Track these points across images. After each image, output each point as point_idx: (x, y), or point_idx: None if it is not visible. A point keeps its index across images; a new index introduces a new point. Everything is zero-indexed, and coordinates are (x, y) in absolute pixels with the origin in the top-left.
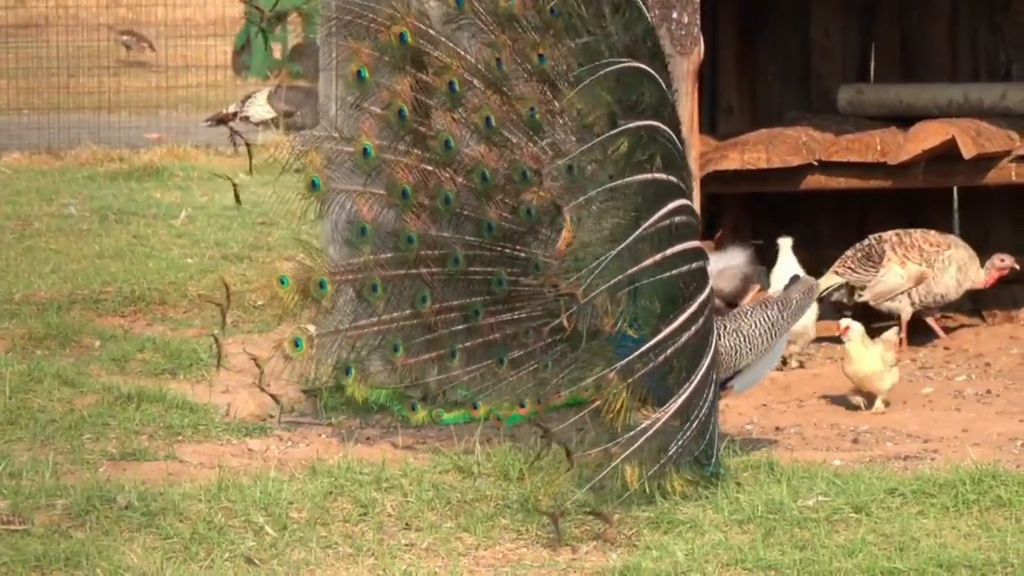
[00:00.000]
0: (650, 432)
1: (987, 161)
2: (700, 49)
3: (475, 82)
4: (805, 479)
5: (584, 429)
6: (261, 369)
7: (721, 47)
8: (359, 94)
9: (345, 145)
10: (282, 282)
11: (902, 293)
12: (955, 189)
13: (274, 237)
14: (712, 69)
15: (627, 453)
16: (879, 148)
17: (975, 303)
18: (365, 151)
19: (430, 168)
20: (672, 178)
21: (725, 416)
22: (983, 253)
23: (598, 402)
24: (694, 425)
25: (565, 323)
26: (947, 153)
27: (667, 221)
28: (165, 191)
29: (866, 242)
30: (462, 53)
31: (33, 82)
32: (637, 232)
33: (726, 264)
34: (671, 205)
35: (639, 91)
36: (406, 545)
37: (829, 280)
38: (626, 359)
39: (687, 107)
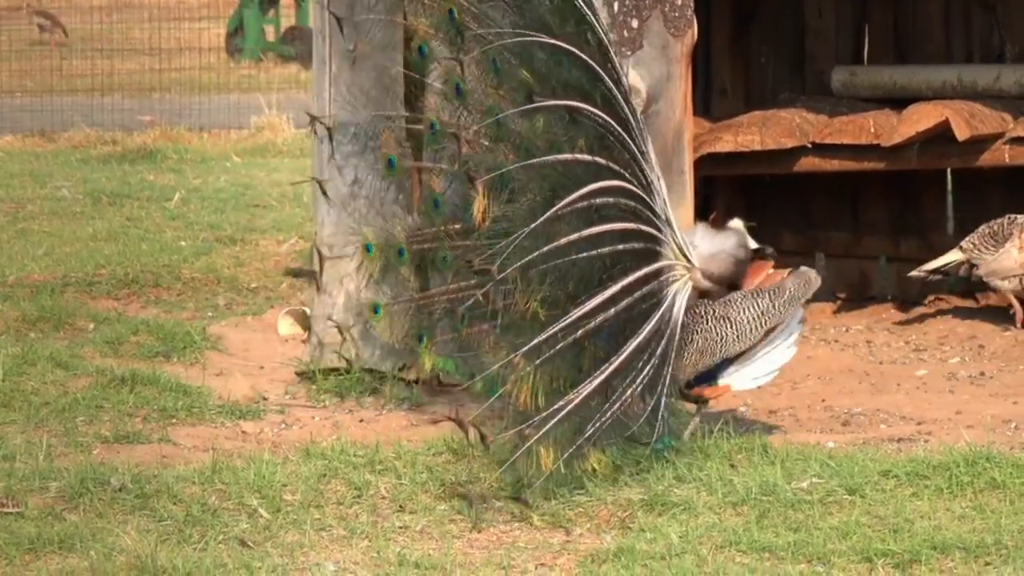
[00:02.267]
0: (563, 413)
1: (981, 143)
2: (694, 31)
3: (512, 60)
4: (799, 461)
5: (500, 413)
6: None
7: (715, 29)
8: (422, 70)
9: (414, 124)
10: (367, 249)
11: (1014, 276)
12: (949, 171)
13: (267, 220)
14: (706, 51)
15: (540, 435)
16: (873, 130)
17: (969, 285)
18: (432, 126)
19: (486, 143)
20: (600, 160)
21: (718, 399)
22: None
23: (506, 387)
24: (618, 405)
25: (480, 299)
26: (941, 135)
27: (586, 202)
28: (158, 173)
29: (998, 220)
30: (500, 30)
31: (26, 64)
32: (551, 211)
33: (719, 247)
34: (593, 186)
35: (564, 72)
36: (400, 527)
37: (951, 256)
38: (533, 341)
39: (681, 89)
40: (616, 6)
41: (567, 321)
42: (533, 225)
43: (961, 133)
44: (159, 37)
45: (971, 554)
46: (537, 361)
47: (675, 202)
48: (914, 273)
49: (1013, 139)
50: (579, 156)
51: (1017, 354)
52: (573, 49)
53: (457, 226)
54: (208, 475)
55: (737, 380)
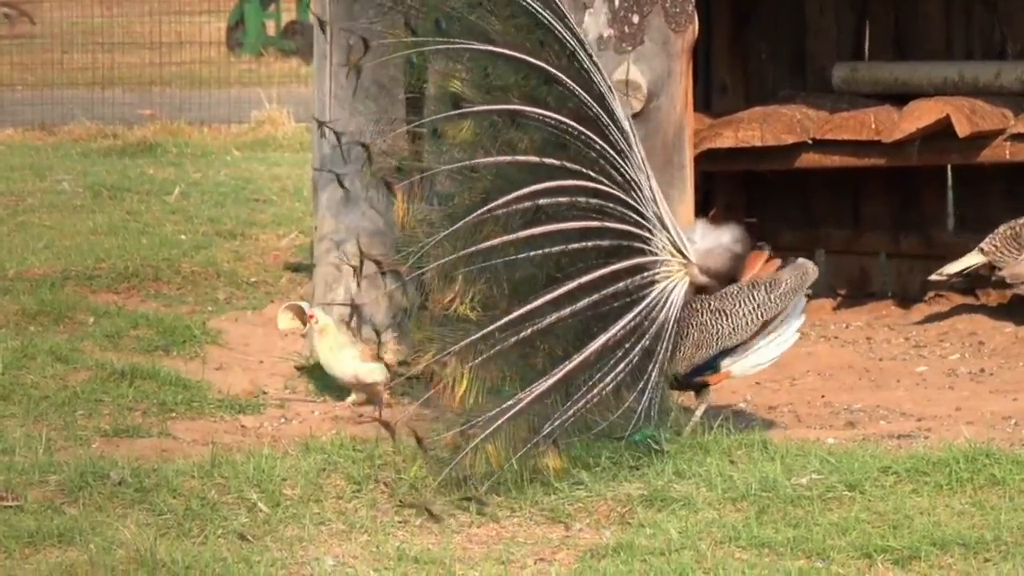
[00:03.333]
0: (512, 412)
1: (981, 139)
2: (695, 27)
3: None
4: (799, 457)
5: (440, 413)
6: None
7: (715, 25)
8: (413, 78)
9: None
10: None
11: None
12: (949, 168)
13: (267, 214)
14: (707, 47)
15: (486, 434)
16: (873, 126)
17: (969, 281)
18: (435, 132)
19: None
20: (551, 160)
21: (719, 394)
22: (977, 232)
23: (438, 386)
24: (583, 402)
25: (387, 299)
26: (942, 131)
27: (527, 203)
28: (159, 167)
29: (1020, 220)
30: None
31: (27, 58)
32: (477, 213)
33: (715, 243)
34: (536, 187)
35: (500, 76)
36: (399, 522)
37: (972, 259)
38: (465, 340)
39: (681, 85)
40: (617, 2)
41: (506, 320)
42: (445, 232)
43: (962, 129)
44: (159, 31)
45: (970, 550)
46: (473, 361)
47: (675, 198)
48: (934, 277)
49: (1014, 135)
50: (519, 158)
51: (1017, 351)
52: (514, 53)
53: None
54: (207, 469)
55: (738, 367)
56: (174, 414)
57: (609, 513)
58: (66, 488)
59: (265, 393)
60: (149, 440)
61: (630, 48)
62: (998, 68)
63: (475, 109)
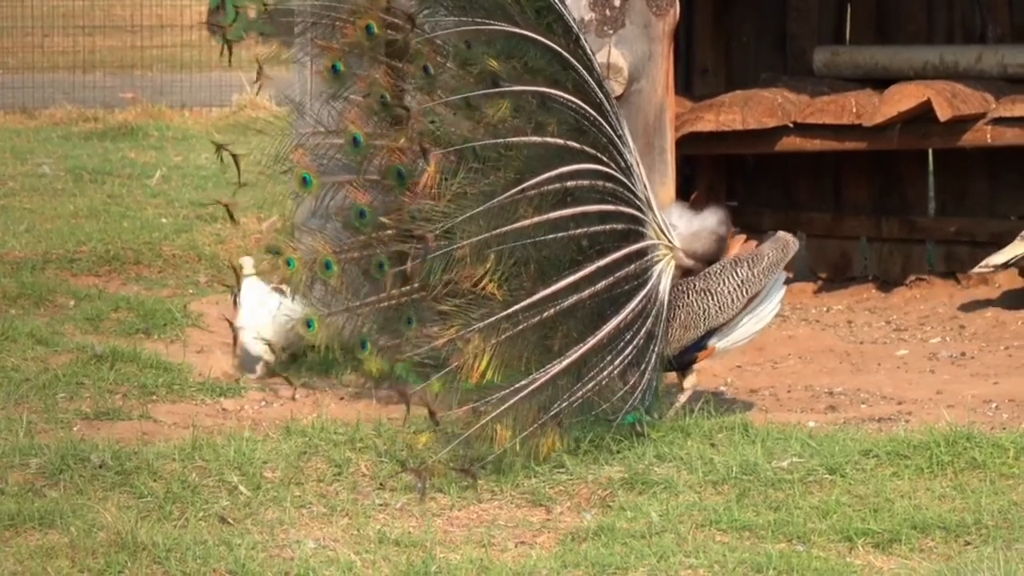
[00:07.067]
0: (525, 392)
1: (962, 123)
2: (676, 10)
3: (448, 64)
4: (779, 440)
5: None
6: (235, 332)
7: (697, 8)
8: (337, 87)
9: (333, 138)
10: (289, 264)
11: None
12: (930, 151)
13: (248, 197)
14: (688, 30)
15: (498, 412)
16: (854, 110)
17: (949, 265)
18: (355, 140)
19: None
20: (573, 143)
21: (700, 377)
22: (958, 216)
23: (457, 363)
24: (592, 384)
25: (410, 269)
26: (923, 115)
27: (556, 185)
28: (140, 151)
29: None
30: (432, 38)
31: (7, 41)
32: (510, 192)
33: (700, 226)
34: (564, 169)
35: (531, 59)
36: (380, 505)
37: (1017, 248)
38: (490, 319)
39: (663, 68)
40: None
41: (530, 301)
42: (479, 209)
43: (943, 113)
44: (140, 14)
45: (951, 533)
46: (495, 340)
47: (656, 181)
48: (979, 269)
49: (995, 119)
50: (548, 140)
51: (997, 335)
52: (539, 38)
53: (388, 232)
54: (188, 452)
55: (722, 343)
56: (155, 397)
57: (590, 496)
58: (47, 471)
59: (246, 376)
60: (130, 423)
61: (611, 31)
62: (979, 52)
63: (513, 88)
